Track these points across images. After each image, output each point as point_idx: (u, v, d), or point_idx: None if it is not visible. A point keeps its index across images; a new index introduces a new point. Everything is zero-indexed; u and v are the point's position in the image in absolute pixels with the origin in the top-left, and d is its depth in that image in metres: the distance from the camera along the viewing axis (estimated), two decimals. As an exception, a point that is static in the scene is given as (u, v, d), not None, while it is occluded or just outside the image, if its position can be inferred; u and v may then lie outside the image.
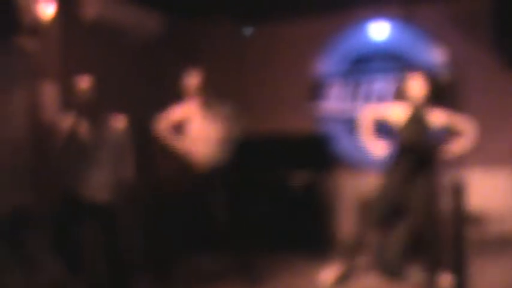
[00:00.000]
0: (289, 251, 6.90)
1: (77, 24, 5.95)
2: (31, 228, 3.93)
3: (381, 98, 7.12)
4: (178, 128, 5.85)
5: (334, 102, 7.52)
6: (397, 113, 5.52)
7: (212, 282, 6.04)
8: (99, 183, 4.92)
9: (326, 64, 7.54)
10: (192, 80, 5.76)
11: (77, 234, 5.01)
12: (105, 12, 6.17)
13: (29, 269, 3.92)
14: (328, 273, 5.74)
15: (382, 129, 5.64)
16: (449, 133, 5.57)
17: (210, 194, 5.74)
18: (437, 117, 5.46)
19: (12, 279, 3.81)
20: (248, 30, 7.64)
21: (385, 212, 5.54)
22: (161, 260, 6.08)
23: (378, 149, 5.59)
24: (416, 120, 5.45)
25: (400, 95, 5.66)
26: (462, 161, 5.77)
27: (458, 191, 4.94)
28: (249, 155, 6.35)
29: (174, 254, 6.12)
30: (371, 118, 5.64)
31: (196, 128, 5.78)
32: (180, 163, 5.83)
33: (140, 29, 6.74)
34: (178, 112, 5.82)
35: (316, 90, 7.58)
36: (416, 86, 5.45)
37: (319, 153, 7.24)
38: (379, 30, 7.32)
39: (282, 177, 7.03)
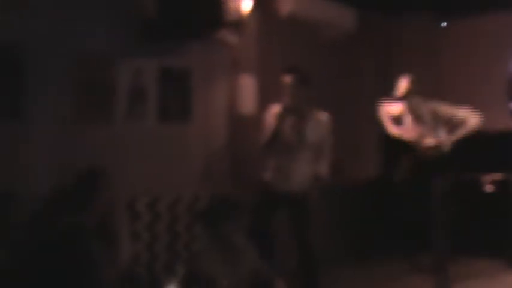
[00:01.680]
0: (483, 255, 6.63)
1: (273, 19, 6.06)
2: (230, 217, 4.03)
3: None
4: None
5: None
6: None
7: (403, 279, 6.03)
8: (298, 177, 4.95)
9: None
10: (402, 84, 5.97)
11: (272, 224, 5.12)
12: (301, 7, 6.21)
13: (230, 257, 4.02)
14: None
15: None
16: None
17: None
18: None
19: (215, 266, 3.93)
20: (444, 24, 7.39)
21: None
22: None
23: None
24: None
25: None
26: None
27: None
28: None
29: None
30: None
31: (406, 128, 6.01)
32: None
33: (335, 24, 6.73)
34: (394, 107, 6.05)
35: (516, 86, 7.16)
36: None
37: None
38: None
39: (477, 177, 6.71)
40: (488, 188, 6.70)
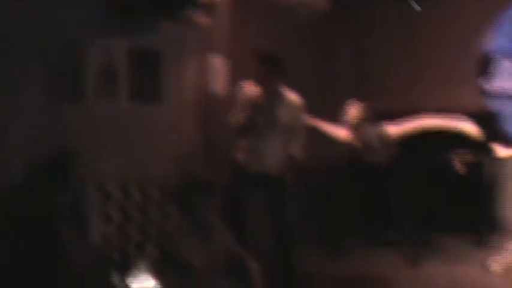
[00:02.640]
0: (451, 234, 6.76)
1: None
2: (203, 198, 4.03)
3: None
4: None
5: (505, 79, 7.11)
6: None
7: (375, 257, 6.16)
8: (271, 158, 4.95)
9: (498, 38, 7.12)
10: (352, 111, 6.08)
11: (246, 203, 5.13)
12: (273, -13, 6.21)
13: (203, 238, 4.03)
14: (498, 260, 5.47)
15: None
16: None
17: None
18: None
19: (188, 247, 3.94)
20: (418, 4, 7.40)
21: None
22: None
23: None
24: None
25: None
26: None
27: None
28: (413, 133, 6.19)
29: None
30: None
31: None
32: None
33: (309, 5, 6.72)
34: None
35: (486, 66, 7.19)
36: None
37: (487, 133, 6.89)
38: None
39: (447, 157, 6.77)
40: (459, 169, 6.77)
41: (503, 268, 5.37)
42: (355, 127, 5.96)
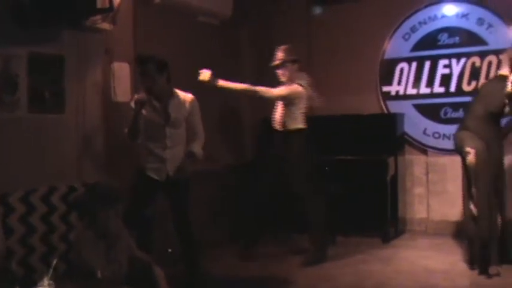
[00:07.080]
0: (359, 232, 6.94)
1: (148, 5, 6.00)
2: (106, 205, 3.99)
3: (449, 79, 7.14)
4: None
5: (403, 83, 7.40)
6: None
7: (280, 260, 6.24)
8: (172, 161, 4.95)
9: (396, 44, 7.40)
10: (278, 53, 6.10)
11: (149, 209, 5.11)
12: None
13: (107, 246, 4.01)
14: None
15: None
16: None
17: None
18: None
19: (93, 256, 3.90)
20: (318, 10, 7.58)
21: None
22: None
23: None
24: None
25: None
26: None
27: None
28: (316, 136, 6.29)
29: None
30: None
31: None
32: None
33: (212, 9, 6.76)
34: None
35: (385, 71, 7.46)
36: None
37: (387, 135, 7.12)
38: (450, 10, 7.16)
39: (350, 159, 6.94)
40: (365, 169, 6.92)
41: None
42: (281, 67, 6.01)
